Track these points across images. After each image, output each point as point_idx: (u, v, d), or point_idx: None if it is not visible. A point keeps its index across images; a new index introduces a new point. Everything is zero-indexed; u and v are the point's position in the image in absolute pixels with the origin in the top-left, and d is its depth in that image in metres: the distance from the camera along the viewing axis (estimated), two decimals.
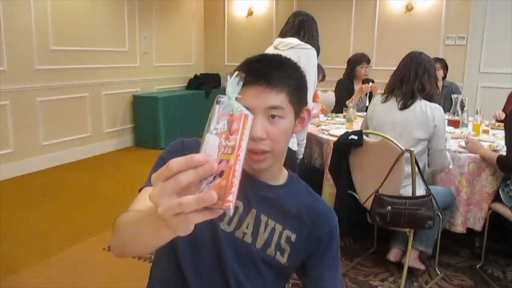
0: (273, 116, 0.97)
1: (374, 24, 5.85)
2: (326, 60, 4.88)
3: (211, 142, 0.60)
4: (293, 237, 1.05)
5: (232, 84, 0.66)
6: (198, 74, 6.85)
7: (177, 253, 1.04)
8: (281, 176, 1.11)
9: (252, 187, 1.04)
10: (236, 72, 0.67)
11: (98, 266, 2.67)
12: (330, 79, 4.44)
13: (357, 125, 3.17)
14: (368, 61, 4.19)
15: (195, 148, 1.07)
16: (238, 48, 6.80)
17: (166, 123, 5.68)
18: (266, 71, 0.98)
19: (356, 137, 2.43)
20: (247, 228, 1.03)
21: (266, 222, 1.04)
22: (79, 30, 4.92)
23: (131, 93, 5.75)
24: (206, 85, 6.55)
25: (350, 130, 2.65)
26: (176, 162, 0.56)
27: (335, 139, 2.67)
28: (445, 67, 4.16)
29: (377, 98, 2.67)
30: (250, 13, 6.66)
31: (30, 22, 4.37)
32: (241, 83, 0.67)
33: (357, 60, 4.20)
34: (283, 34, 2.72)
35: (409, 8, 5.66)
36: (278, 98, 0.97)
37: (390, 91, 2.55)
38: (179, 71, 6.65)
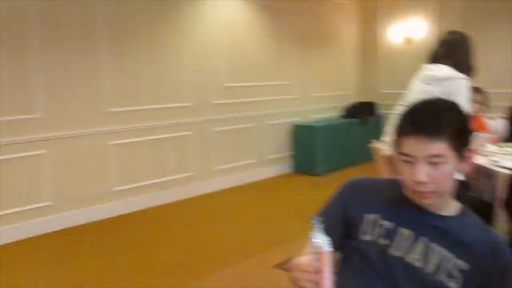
0: (434, 162, 1.05)
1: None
2: (493, 83, 4.54)
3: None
4: (466, 266, 1.08)
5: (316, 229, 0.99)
6: (354, 102, 6.97)
7: (349, 272, 1.18)
8: (449, 207, 1.17)
9: (421, 216, 1.13)
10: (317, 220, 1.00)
11: (267, 282, 2.95)
12: (500, 103, 4.12)
13: None
14: None
15: (367, 186, 1.25)
16: (393, 75, 6.73)
17: (323, 150, 5.91)
18: (423, 122, 1.06)
19: None
20: (417, 254, 1.11)
21: (437, 249, 1.10)
22: (248, 68, 5.53)
23: (291, 123, 6.15)
24: (361, 114, 6.62)
25: None
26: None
27: (506, 171, 2.50)
28: None
29: None
30: (408, 41, 6.56)
31: (209, 64, 5.10)
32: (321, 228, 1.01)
33: None
34: (432, 59, 2.68)
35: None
36: (437, 147, 1.03)
37: None
38: (335, 100, 6.87)
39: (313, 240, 0.98)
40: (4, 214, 3.69)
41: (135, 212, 4.44)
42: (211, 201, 4.93)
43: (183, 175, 4.96)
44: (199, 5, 4.95)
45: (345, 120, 6.59)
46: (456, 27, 3.17)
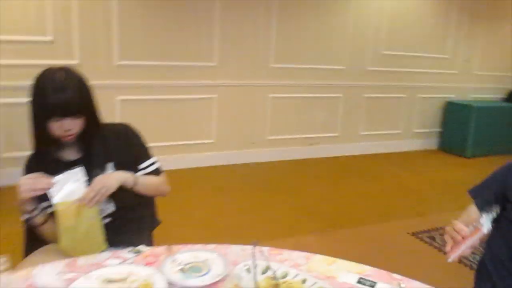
0: None
1: None
2: None
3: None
4: None
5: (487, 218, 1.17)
6: None
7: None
8: None
9: None
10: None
11: (401, 248, 3.10)
12: None
13: None
14: None
15: None
16: None
17: (476, 132, 5.61)
18: None
19: None
20: None
21: None
22: (408, 38, 5.43)
23: (443, 99, 5.92)
24: None
25: None
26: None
27: None
28: None
29: None
30: None
31: (369, 30, 5.16)
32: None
33: None
34: None
35: None
36: None
37: None
38: (499, 81, 6.35)
39: (479, 215, 1.21)
40: (176, 145, 4.43)
41: (283, 161, 4.88)
42: (354, 163, 5.15)
43: (329, 134, 5.24)
44: None
45: (507, 104, 6.09)
46: None
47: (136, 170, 1.60)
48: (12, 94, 3.63)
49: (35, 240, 1.58)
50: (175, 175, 4.14)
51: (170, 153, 4.37)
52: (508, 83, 6.38)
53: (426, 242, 3.13)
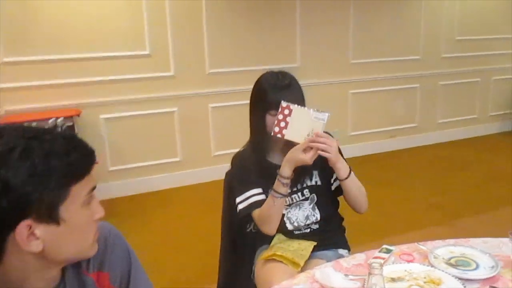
0: None
1: None
2: None
3: None
4: None
5: None
6: None
7: None
8: None
9: None
10: None
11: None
12: None
13: None
14: None
15: None
16: None
17: None
18: None
19: None
20: None
21: None
22: (481, 20, 5.34)
23: None
24: None
25: None
26: None
27: None
28: None
29: None
30: None
31: (442, 17, 5.11)
32: None
33: None
34: None
35: None
36: None
37: None
38: None
39: None
40: None
41: (368, 155, 4.88)
42: (437, 152, 5.10)
43: (409, 125, 5.22)
44: None
45: None
46: None
47: (331, 176, 1.66)
48: (116, 109, 3.78)
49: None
50: None
51: None
52: None
53: None
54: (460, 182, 4.11)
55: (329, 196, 1.67)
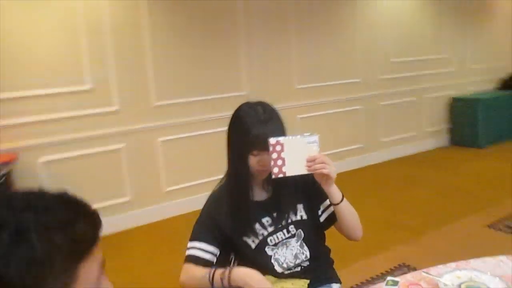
0: None
1: None
2: None
3: None
4: None
5: None
6: (510, 73, 6.75)
7: None
8: None
9: None
10: None
11: (480, 240, 3.19)
12: None
13: None
14: None
15: None
16: None
17: (485, 123, 5.89)
18: None
19: None
20: None
21: None
22: (412, 43, 5.68)
23: (447, 96, 6.19)
24: None
25: None
26: None
27: None
28: None
29: None
30: None
31: (376, 40, 5.36)
32: None
33: None
34: None
35: None
36: None
37: None
38: (491, 72, 6.72)
39: None
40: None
41: None
42: (384, 170, 5.25)
43: (355, 146, 5.33)
44: None
45: (505, 92, 6.43)
46: None
47: (318, 208, 1.57)
48: (57, 151, 3.50)
49: None
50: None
51: None
52: (499, 73, 6.76)
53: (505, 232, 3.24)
54: (414, 198, 4.22)
55: (316, 230, 1.58)
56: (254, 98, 4.38)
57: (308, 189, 1.54)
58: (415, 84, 5.82)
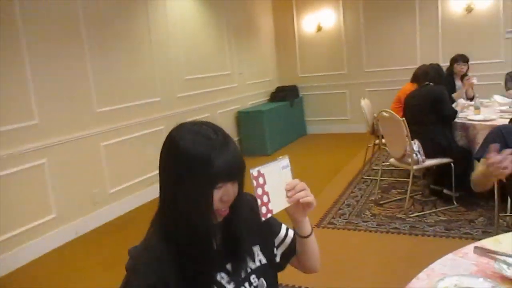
0: None
1: (438, 25, 6.61)
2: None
3: None
4: None
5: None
6: (278, 86, 7.66)
7: None
8: None
9: None
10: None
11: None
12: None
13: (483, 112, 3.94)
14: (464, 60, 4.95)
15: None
16: (309, 61, 7.63)
17: (269, 132, 6.48)
18: None
19: None
20: None
21: None
22: (201, 60, 5.75)
23: (235, 110, 6.54)
24: (289, 96, 7.35)
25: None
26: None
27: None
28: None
29: None
30: (319, 29, 7.48)
31: (171, 58, 5.20)
32: None
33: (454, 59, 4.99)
34: None
35: (469, 10, 6.47)
36: None
37: None
38: (262, 86, 7.46)
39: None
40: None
41: (135, 209, 4.39)
42: None
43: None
44: (159, 4, 5.02)
45: (278, 103, 7.19)
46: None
47: (273, 246, 1.31)
48: None
49: None
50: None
51: None
52: (268, 86, 7.57)
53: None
54: None
55: (274, 272, 1.30)
56: (48, 128, 3.58)
57: (259, 223, 1.23)
58: (209, 100, 5.92)
